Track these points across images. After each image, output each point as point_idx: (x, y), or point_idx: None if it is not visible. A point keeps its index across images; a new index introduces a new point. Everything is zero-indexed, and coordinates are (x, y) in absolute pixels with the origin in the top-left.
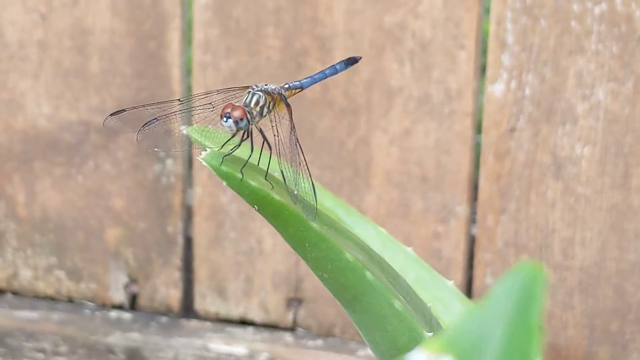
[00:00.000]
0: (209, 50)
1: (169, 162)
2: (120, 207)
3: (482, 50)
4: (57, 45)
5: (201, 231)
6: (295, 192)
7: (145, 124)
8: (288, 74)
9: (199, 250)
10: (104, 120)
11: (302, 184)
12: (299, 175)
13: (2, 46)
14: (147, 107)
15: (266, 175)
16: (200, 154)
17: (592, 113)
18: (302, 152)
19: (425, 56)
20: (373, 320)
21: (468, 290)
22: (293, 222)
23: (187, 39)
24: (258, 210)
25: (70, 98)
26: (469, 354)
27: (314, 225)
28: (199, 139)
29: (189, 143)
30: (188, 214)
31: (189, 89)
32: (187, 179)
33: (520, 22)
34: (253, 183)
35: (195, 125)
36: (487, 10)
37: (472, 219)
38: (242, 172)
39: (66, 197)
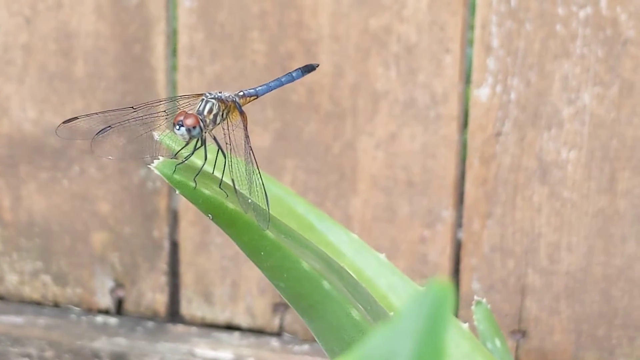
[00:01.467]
0: (194, 54)
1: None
2: (106, 212)
3: (467, 54)
4: (42, 49)
5: (187, 236)
6: (248, 200)
7: (99, 132)
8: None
9: (185, 255)
10: (56, 129)
11: (255, 193)
12: (252, 184)
13: None
14: (100, 115)
15: (220, 184)
16: (153, 163)
17: (578, 117)
18: (256, 161)
19: (410, 60)
20: (330, 330)
21: (454, 295)
22: (247, 231)
23: (172, 43)
24: (212, 219)
25: (55, 102)
26: None
27: (269, 233)
28: (171, 145)
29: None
30: (174, 218)
31: (174, 92)
32: None
33: (505, 26)
34: (206, 191)
35: (167, 132)
36: (472, 14)
37: (458, 224)
38: (195, 181)
39: (52, 201)
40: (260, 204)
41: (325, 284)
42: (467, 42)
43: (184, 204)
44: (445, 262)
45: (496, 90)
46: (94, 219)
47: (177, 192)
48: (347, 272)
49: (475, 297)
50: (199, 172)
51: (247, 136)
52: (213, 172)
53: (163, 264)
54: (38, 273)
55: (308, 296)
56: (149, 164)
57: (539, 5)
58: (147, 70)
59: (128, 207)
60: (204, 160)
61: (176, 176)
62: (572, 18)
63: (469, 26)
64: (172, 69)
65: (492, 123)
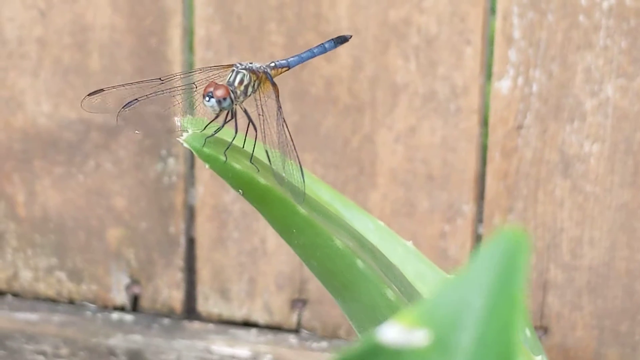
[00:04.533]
0: (210, 47)
1: (171, 161)
2: (121, 207)
3: (489, 46)
4: (57, 42)
5: (204, 231)
6: (282, 174)
7: (126, 104)
8: (291, 71)
9: (201, 251)
10: (81, 102)
11: (290, 166)
12: (286, 156)
13: (1, 43)
14: (127, 87)
15: (251, 158)
16: (182, 135)
17: (601, 109)
18: (289, 133)
19: (430, 52)
20: (364, 310)
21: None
22: (279, 207)
23: (188, 35)
24: (242, 195)
25: (70, 96)
26: (446, 327)
27: (302, 210)
28: (194, 129)
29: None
30: (190, 213)
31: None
32: (190, 179)
33: (527, 17)
34: (237, 166)
35: (189, 117)
36: (493, 5)
37: (478, 218)
38: (225, 155)
39: (67, 196)
40: (295, 177)
41: (359, 263)
42: (488, 34)
43: (200, 199)
44: (466, 257)
45: (518, 83)
46: (110, 214)
47: (207, 166)
48: (379, 251)
49: None
50: (230, 145)
51: (279, 107)
52: (243, 146)
53: (179, 260)
54: (53, 269)
55: (341, 275)
56: (178, 138)
57: None
58: (163, 64)
59: (144, 203)
60: (235, 133)
61: (206, 150)
62: (595, 9)
63: (490, 17)
64: (189, 62)
65: (513, 116)
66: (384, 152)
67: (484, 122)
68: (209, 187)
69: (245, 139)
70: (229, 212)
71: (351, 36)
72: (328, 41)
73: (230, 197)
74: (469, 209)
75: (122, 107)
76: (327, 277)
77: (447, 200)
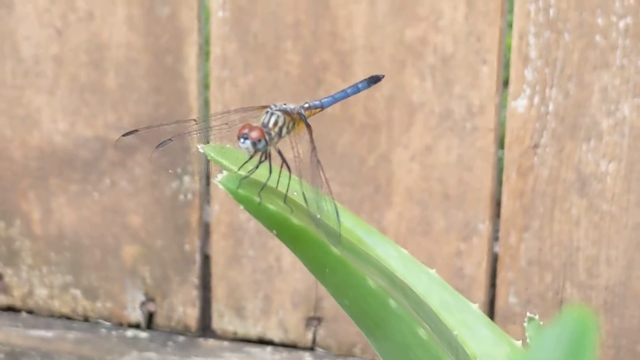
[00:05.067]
0: (226, 65)
1: (187, 179)
2: (137, 225)
3: (505, 65)
4: (73, 61)
5: (219, 249)
6: (318, 216)
7: (160, 144)
8: (307, 89)
9: (216, 269)
10: (116, 141)
11: (325, 207)
12: (321, 197)
13: (18, 62)
14: (161, 127)
15: (285, 199)
16: (217, 177)
17: (617, 129)
18: (324, 174)
19: (446, 71)
20: (396, 350)
21: (490, 309)
22: (313, 247)
23: (204, 54)
24: (277, 235)
25: (86, 114)
26: None
27: (335, 250)
28: (216, 158)
29: (206, 160)
30: (206, 231)
31: (206, 104)
32: (205, 196)
33: (543, 37)
34: (271, 207)
35: (212, 144)
36: (509, 25)
37: (494, 237)
38: (259, 196)
39: (82, 214)
40: (331, 219)
41: (392, 302)
42: (505, 53)
43: (216, 217)
44: (482, 276)
45: (534, 102)
46: (125, 232)
47: (242, 207)
48: (410, 289)
49: (528, 314)
50: (264, 186)
51: (314, 148)
52: (277, 186)
53: (194, 278)
54: (68, 287)
55: (374, 314)
56: (213, 180)
57: (579, 16)
58: (179, 82)
59: (159, 220)
60: (269, 174)
61: (241, 191)
62: (612, 28)
63: (506, 37)
64: (205, 80)
65: (529, 135)
66: (400, 170)
67: (500, 141)
68: (224, 204)
69: (278, 180)
70: (244, 230)
71: (384, 76)
72: (361, 81)
73: (246, 215)
74: (484, 227)
75: (156, 147)
76: (360, 317)
77: (463, 219)
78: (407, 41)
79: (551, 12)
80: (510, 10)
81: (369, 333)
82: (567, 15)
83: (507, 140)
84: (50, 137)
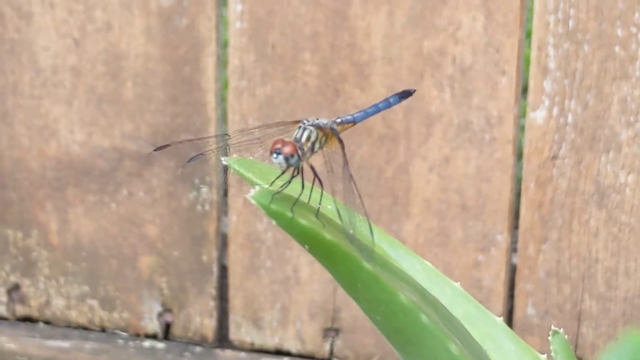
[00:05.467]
0: (244, 76)
1: (204, 189)
2: (154, 235)
3: (524, 76)
4: (91, 71)
5: (236, 259)
6: (351, 231)
7: (191, 158)
8: (325, 101)
9: (234, 279)
10: (148, 156)
11: (358, 223)
12: (354, 213)
13: (35, 72)
14: (193, 142)
15: (317, 214)
16: (249, 192)
17: (637, 140)
18: (357, 189)
19: (465, 82)
20: None
21: (509, 321)
22: (345, 262)
23: (222, 64)
24: (309, 250)
25: (103, 124)
26: None
27: (367, 265)
28: (240, 170)
29: (224, 171)
30: (223, 242)
31: (224, 115)
32: (222, 207)
33: (562, 48)
34: (303, 222)
35: (235, 156)
36: (528, 36)
37: (513, 248)
38: (292, 211)
39: (99, 224)
40: (364, 234)
41: (424, 318)
42: (523, 64)
43: (233, 228)
44: (500, 287)
45: (553, 113)
46: (142, 242)
47: (274, 222)
48: (441, 304)
49: (553, 327)
50: (296, 201)
51: (346, 163)
52: (309, 201)
53: (212, 288)
54: (85, 297)
55: (406, 330)
56: (246, 195)
57: (598, 27)
58: (197, 93)
59: (176, 231)
60: (301, 189)
61: (273, 206)
62: (632, 39)
63: (525, 48)
64: (223, 90)
65: (548, 146)
66: (418, 182)
67: (519, 153)
68: (242, 215)
69: (310, 195)
70: (261, 241)
71: (415, 90)
72: (392, 96)
73: (263, 225)
74: (503, 239)
75: (187, 161)
76: (392, 332)
77: (481, 230)
78: (425, 52)
79: (570, 23)
80: (529, 21)
81: (401, 349)
82: (587, 26)
83: (525, 152)
84: (67, 147)
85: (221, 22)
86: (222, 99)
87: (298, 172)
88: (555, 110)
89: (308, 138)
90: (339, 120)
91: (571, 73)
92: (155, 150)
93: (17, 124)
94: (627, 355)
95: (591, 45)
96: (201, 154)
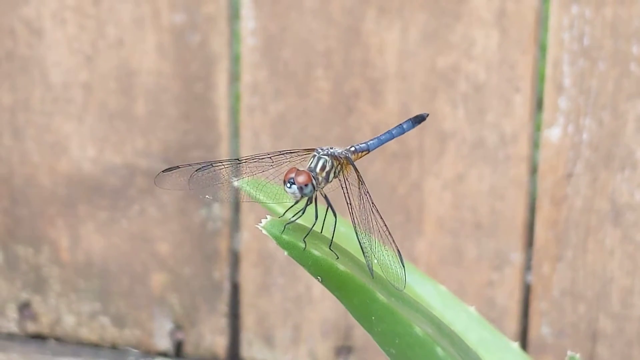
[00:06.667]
0: (256, 92)
1: (216, 206)
2: (165, 252)
3: (538, 93)
4: (102, 87)
5: (248, 277)
6: (372, 263)
7: (199, 168)
8: (338, 117)
9: (246, 297)
10: (155, 178)
11: (383, 253)
12: (378, 243)
13: (47, 88)
14: (202, 164)
15: (330, 244)
16: (261, 222)
17: None
18: (381, 216)
19: (479, 99)
20: None
21: (523, 340)
22: (358, 294)
23: (234, 81)
24: (321, 282)
25: (115, 141)
26: None
27: (381, 296)
28: (251, 192)
29: (237, 190)
30: (235, 259)
31: (236, 131)
32: (234, 224)
33: (577, 65)
34: (316, 253)
35: (246, 178)
36: (543, 52)
37: (527, 267)
38: (304, 241)
39: (110, 241)
40: (391, 265)
41: (439, 351)
42: (538, 82)
43: (245, 245)
44: (514, 306)
45: (568, 131)
46: (153, 259)
47: (286, 253)
48: (457, 336)
49: (569, 353)
50: (309, 232)
51: (367, 192)
52: (322, 231)
53: (223, 306)
54: (96, 314)
55: None
56: (257, 225)
57: (613, 44)
58: (209, 109)
59: (188, 248)
60: (315, 219)
61: (285, 237)
62: None
63: (540, 65)
64: (235, 107)
65: (563, 164)
66: (431, 199)
67: (533, 170)
68: (253, 232)
69: (323, 225)
70: (273, 258)
71: (428, 115)
72: (406, 121)
73: (275, 243)
74: (517, 257)
75: (196, 171)
76: None
77: (495, 249)
78: (439, 69)
79: (585, 40)
80: (544, 38)
81: None
82: (602, 44)
83: (540, 170)
84: (78, 163)
85: (233, 39)
86: (234, 116)
87: (311, 202)
88: (570, 128)
89: (323, 167)
90: (353, 148)
91: (586, 90)
92: (164, 171)
93: (28, 140)
94: None
95: (606, 62)
96: (210, 164)
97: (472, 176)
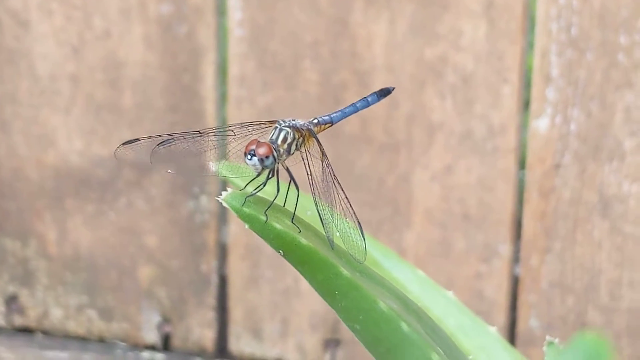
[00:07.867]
0: (244, 84)
1: (204, 199)
2: (153, 245)
3: (526, 84)
4: (89, 79)
5: (236, 270)
6: (332, 236)
7: (161, 142)
8: (326, 109)
9: (233, 290)
10: (115, 151)
11: (344, 225)
12: (339, 215)
13: (34, 80)
14: (163, 137)
15: (293, 218)
16: (220, 194)
17: None
18: (342, 189)
19: (467, 90)
20: None
21: (511, 332)
22: (322, 269)
23: (222, 72)
24: (283, 256)
25: (102, 133)
26: None
27: (345, 271)
28: (229, 175)
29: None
30: (223, 252)
31: (223, 123)
32: (222, 217)
33: (565, 56)
34: (278, 226)
35: (226, 162)
36: (531, 44)
37: (515, 259)
38: (266, 214)
39: (98, 234)
40: (352, 236)
41: (404, 326)
42: (526, 72)
43: (233, 238)
44: (502, 298)
45: (556, 122)
46: (141, 252)
47: (247, 226)
48: (424, 313)
49: (548, 337)
50: (271, 205)
51: (328, 165)
52: (284, 205)
53: (211, 299)
54: (83, 308)
55: (386, 339)
56: (217, 197)
57: (601, 34)
58: (196, 101)
59: (176, 241)
60: (277, 192)
61: (245, 209)
62: (635, 47)
63: (527, 56)
64: (222, 99)
65: (551, 155)
66: (419, 191)
67: (522, 162)
68: (241, 225)
69: (286, 198)
70: (261, 251)
71: (394, 88)
72: (371, 95)
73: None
74: (505, 249)
75: (157, 145)
76: (371, 342)
77: (483, 241)
78: (427, 60)
79: (573, 30)
80: (532, 29)
81: (380, 358)
82: (590, 34)
83: (528, 161)
84: (66, 156)
85: (221, 30)
86: (221, 108)
87: (273, 175)
88: (558, 119)
89: (284, 139)
90: (315, 121)
91: (574, 81)
92: (124, 144)
93: (15, 133)
94: (581, 357)
95: (594, 53)
96: (172, 138)
97: (460, 168)
